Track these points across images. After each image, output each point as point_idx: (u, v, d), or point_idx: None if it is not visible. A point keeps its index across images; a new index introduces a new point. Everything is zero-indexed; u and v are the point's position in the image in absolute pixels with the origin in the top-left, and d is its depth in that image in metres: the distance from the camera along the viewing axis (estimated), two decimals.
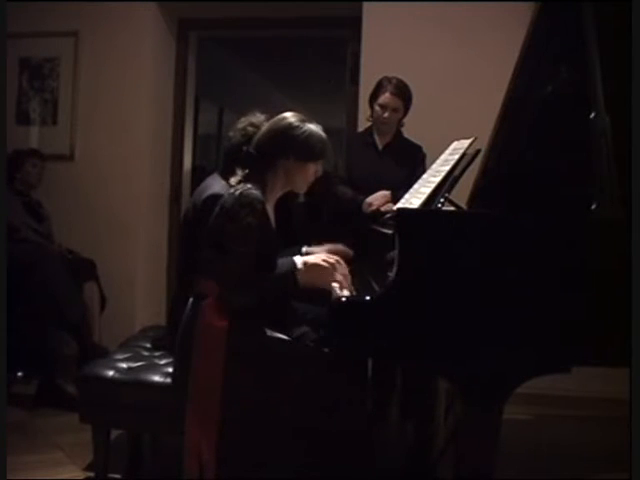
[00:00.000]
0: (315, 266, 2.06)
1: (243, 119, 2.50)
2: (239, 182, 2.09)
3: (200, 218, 2.24)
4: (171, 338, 2.25)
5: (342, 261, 2.18)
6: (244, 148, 2.17)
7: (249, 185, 2.05)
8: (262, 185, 2.09)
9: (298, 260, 2.07)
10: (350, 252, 2.40)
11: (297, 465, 1.96)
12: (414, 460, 2.42)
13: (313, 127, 2.14)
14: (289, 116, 2.15)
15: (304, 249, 2.39)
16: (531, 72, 2.25)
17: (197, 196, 2.45)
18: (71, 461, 2.68)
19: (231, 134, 2.51)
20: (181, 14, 4.34)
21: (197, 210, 2.37)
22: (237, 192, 2.02)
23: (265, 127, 2.16)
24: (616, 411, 3.04)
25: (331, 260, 2.09)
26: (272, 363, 2.00)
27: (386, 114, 3.16)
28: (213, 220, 2.04)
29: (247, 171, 2.12)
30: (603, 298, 1.83)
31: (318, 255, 2.16)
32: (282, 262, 2.10)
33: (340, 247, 2.40)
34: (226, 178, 2.41)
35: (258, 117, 2.48)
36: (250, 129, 2.43)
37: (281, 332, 2.08)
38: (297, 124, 2.12)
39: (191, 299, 2.09)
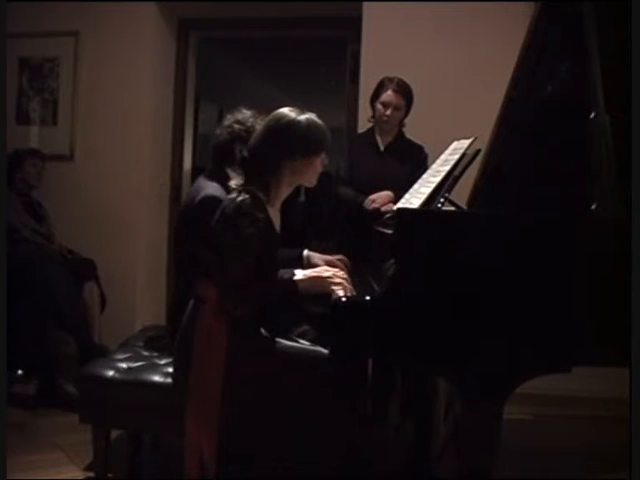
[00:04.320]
0: (314, 277, 2.06)
1: (229, 116, 2.49)
2: (241, 186, 2.00)
3: (197, 220, 2.22)
4: (171, 339, 2.25)
5: (342, 268, 2.18)
6: (241, 153, 2.08)
7: (252, 190, 1.97)
8: (266, 189, 2.00)
9: (297, 274, 2.07)
10: (347, 261, 2.38)
11: (297, 465, 1.96)
12: (414, 460, 2.42)
13: (310, 117, 2.04)
14: (286, 113, 2.03)
15: (305, 252, 2.39)
16: (531, 72, 2.25)
17: (190, 198, 2.41)
18: (71, 461, 2.68)
19: (218, 132, 2.49)
20: (181, 14, 4.34)
21: (193, 212, 2.33)
22: (239, 199, 1.95)
23: (262, 128, 2.05)
24: (616, 411, 3.04)
25: (329, 273, 2.07)
26: (271, 365, 1.99)
27: (388, 112, 3.16)
28: (214, 225, 1.99)
29: (247, 175, 2.02)
30: (603, 298, 1.83)
31: (317, 269, 2.15)
32: (281, 274, 2.09)
33: (339, 258, 2.39)
34: (214, 178, 2.38)
35: (244, 114, 2.45)
36: (236, 127, 2.41)
37: (280, 332, 2.08)
38: (296, 120, 2.01)
39: (191, 302, 2.09)
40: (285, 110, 2.05)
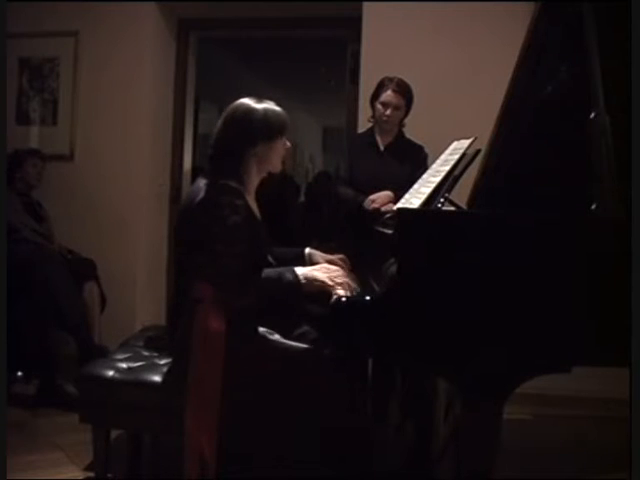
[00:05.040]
0: (316, 279, 2.05)
1: None
2: (214, 181, 2.05)
3: (195, 221, 2.21)
4: (170, 340, 2.25)
5: (343, 266, 2.17)
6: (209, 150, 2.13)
7: (225, 182, 2.02)
8: (238, 179, 2.07)
9: (299, 271, 2.06)
10: (348, 262, 2.38)
11: (297, 465, 1.96)
12: (414, 460, 2.42)
13: (267, 105, 2.13)
14: (243, 102, 2.13)
15: (307, 250, 2.39)
16: (531, 72, 2.25)
17: (190, 198, 2.40)
18: (71, 461, 2.68)
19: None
20: (181, 14, 4.34)
21: (191, 212, 2.32)
22: (215, 191, 2.00)
23: (221, 121, 2.12)
24: (616, 411, 3.04)
25: (330, 272, 2.07)
26: (270, 365, 1.99)
27: (388, 111, 3.16)
28: (198, 222, 2.02)
29: (217, 169, 2.08)
30: (603, 298, 1.83)
31: (319, 267, 2.14)
32: (283, 270, 2.09)
33: (340, 257, 2.38)
34: None
35: None
36: None
37: (280, 332, 2.08)
38: (253, 107, 2.10)
39: (189, 302, 2.08)
40: (242, 100, 2.14)
